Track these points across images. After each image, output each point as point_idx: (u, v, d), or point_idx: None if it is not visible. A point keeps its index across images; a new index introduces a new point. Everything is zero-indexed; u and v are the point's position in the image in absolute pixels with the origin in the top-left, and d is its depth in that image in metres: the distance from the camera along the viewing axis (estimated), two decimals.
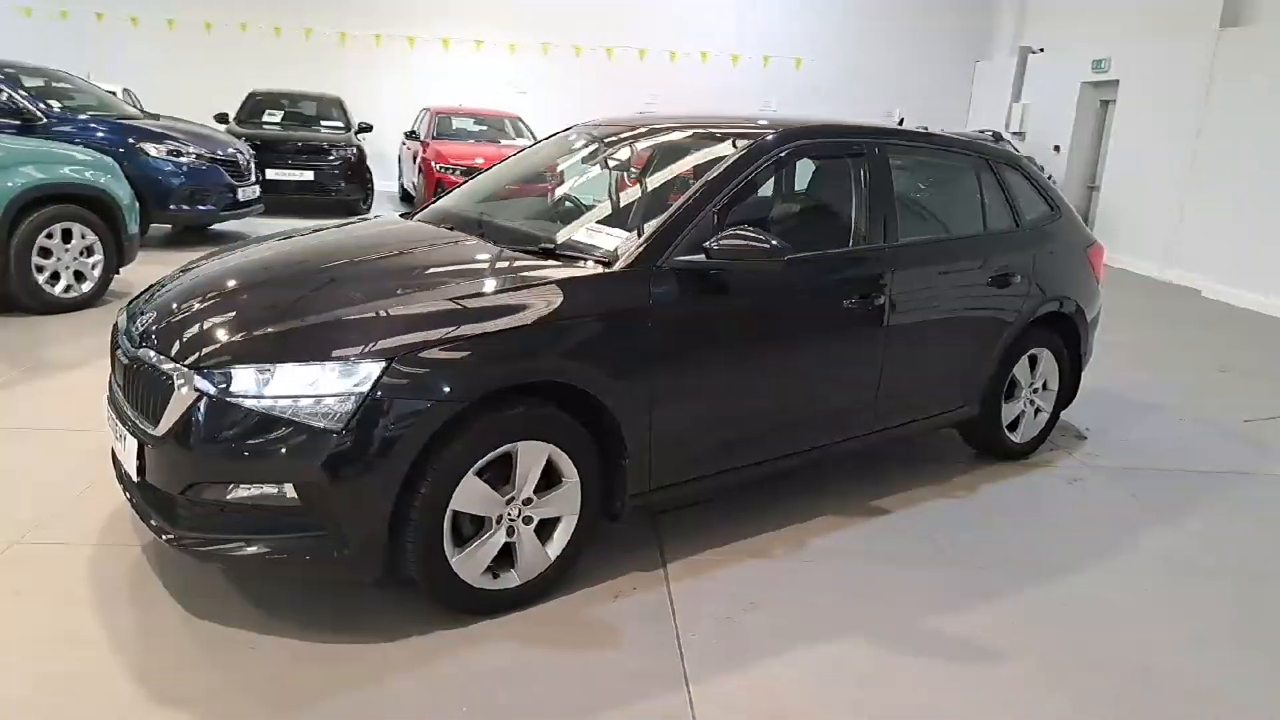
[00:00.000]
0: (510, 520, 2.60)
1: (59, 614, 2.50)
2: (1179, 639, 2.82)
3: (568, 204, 3.54)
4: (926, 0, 16.64)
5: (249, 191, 9.26)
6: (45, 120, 8.24)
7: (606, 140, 3.87)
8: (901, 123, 4.89)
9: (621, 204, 3.31)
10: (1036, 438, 4.31)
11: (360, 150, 12.12)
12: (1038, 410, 4.27)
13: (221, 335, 2.46)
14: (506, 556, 2.64)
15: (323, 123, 12.82)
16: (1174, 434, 4.83)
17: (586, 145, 3.91)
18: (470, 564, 2.54)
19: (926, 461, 4.15)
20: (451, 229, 3.25)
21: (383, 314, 2.48)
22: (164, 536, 2.42)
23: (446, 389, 2.36)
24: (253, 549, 2.35)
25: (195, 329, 2.52)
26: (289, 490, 2.30)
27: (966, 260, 3.77)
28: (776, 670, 2.49)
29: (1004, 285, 3.84)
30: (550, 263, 2.83)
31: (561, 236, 3.02)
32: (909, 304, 3.50)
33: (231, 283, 2.79)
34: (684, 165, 3.42)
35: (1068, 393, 4.39)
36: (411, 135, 12.91)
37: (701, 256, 2.84)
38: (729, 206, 3.04)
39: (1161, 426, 4.95)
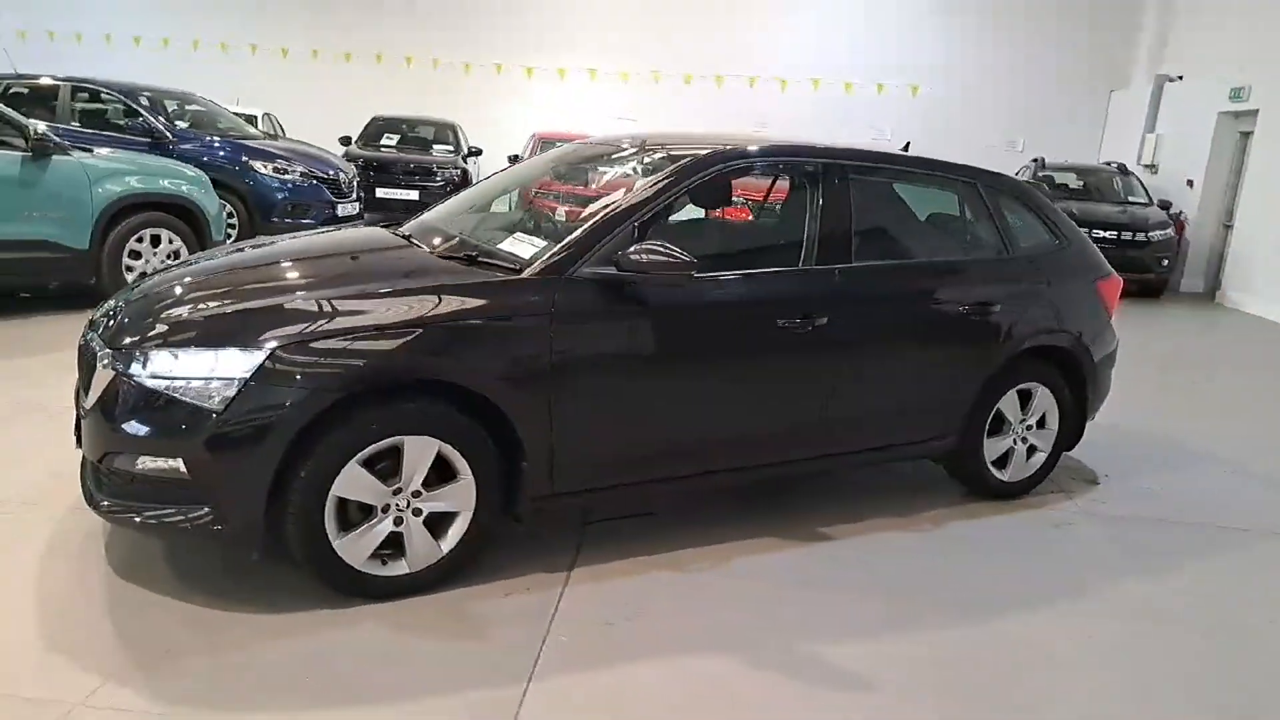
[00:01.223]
0: (399, 510, 2.73)
1: (8, 563, 2.81)
2: (1117, 689, 2.63)
3: (528, 216, 3.68)
4: (1058, 24, 15.89)
5: (349, 208, 9.93)
6: (171, 139, 9.16)
7: (587, 157, 4.00)
8: (907, 147, 4.70)
9: (560, 217, 3.42)
10: (1031, 478, 4.07)
11: (465, 173, 12.77)
12: (1032, 449, 4.04)
13: (144, 323, 2.72)
14: (399, 545, 2.77)
15: (436, 147, 13.57)
16: (1208, 486, 4.44)
17: (571, 161, 4.04)
18: (354, 549, 2.68)
19: (901, 493, 4.01)
20: (408, 238, 3.44)
21: (284, 308, 2.68)
22: (88, 501, 2.69)
23: (322, 380, 2.53)
24: (151, 518, 2.58)
25: (127, 317, 2.80)
26: (180, 465, 2.51)
27: (937, 286, 3.65)
28: (635, 678, 2.50)
29: (983, 314, 3.68)
30: (469, 270, 2.96)
31: (489, 245, 3.15)
32: (863, 327, 3.43)
33: (181, 279, 3.07)
34: (634, 182, 3.49)
35: (1071, 433, 4.13)
36: (514, 159, 13.46)
37: (613, 268, 2.91)
38: (650, 221, 3.09)
39: (1199, 477, 4.56)
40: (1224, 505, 4.20)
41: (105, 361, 2.64)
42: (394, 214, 12.07)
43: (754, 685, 2.51)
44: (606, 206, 3.10)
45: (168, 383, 2.52)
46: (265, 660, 2.44)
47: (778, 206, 3.92)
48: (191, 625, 2.57)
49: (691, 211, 3.79)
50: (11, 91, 9.90)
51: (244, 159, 9.25)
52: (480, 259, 3.03)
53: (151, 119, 9.29)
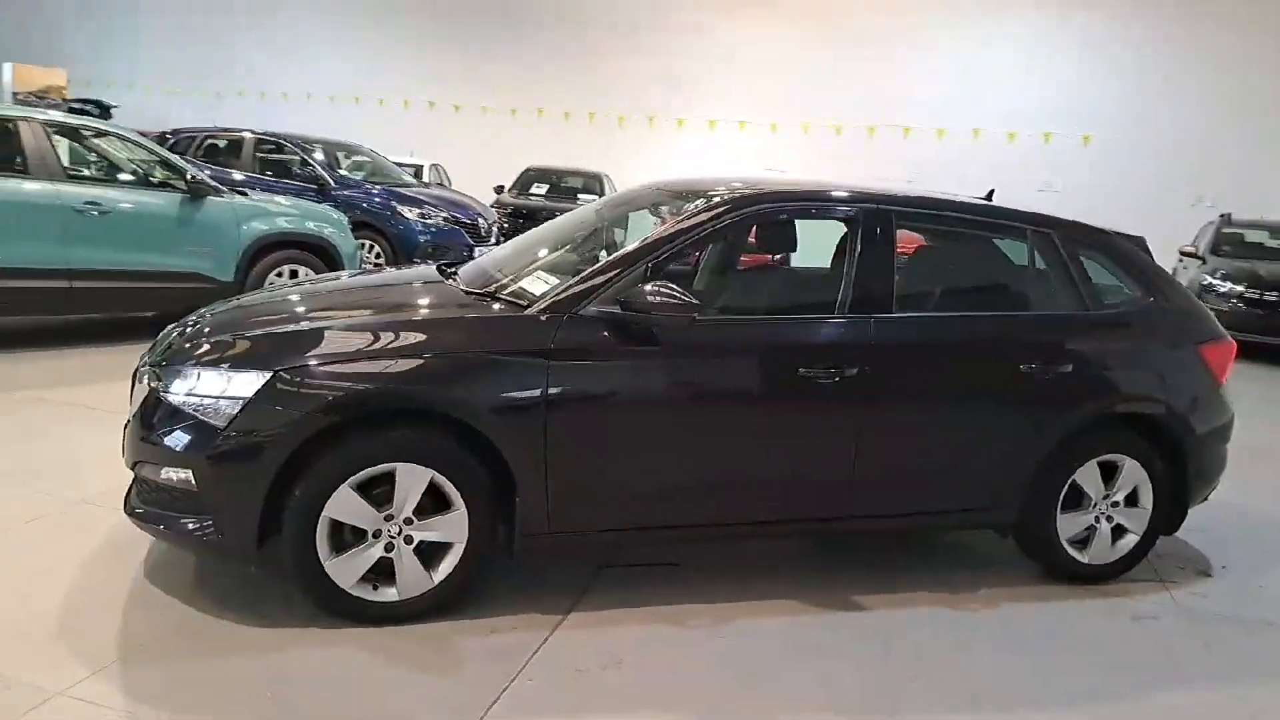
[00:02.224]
0: (391, 537, 2.79)
1: (63, 552, 3.09)
2: None
3: (573, 256, 3.71)
4: (1260, 70, 14.51)
5: (487, 250, 10.43)
6: (333, 186, 10.01)
7: (622, 203, 4.00)
8: (990, 195, 4.37)
9: (585, 257, 3.43)
10: (1118, 562, 3.62)
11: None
12: (1120, 529, 3.61)
13: (184, 345, 2.95)
14: (391, 572, 2.83)
15: (582, 196, 14.04)
16: None
17: (630, 205, 4.06)
18: (344, 571, 2.76)
19: (960, 569, 3.67)
20: (451, 275, 3.54)
21: (295, 334, 2.83)
22: (124, 506, 2.92)
23: (316, 403, 2.64)
24: (167, 525, 2.77)
25: (176, 339, 3.05)
26: (190, 477, 2.69)
27: (990, 342, 3.37)
28: None
29: (1048, 375, 3.35)
30: (481, 306, 3.03)
31: (512, 283, 3.20)
32: (898, 382, 3.21)
33: (230, 307, 3.31)
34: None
35: (1169, 515, 3.66)
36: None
37: (618, 309, 2.89)
38: (664, 263, 3.05)
39: None
40: None
41: (144, 376, 2.88)
42: None
43: None
44: (620, 249, 3.10)
45: (186, 399, 2.72)
46: (235, 670, 2.54)
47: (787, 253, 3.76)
48: (188, 629, 2.72)
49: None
50: (209, 142, 11.18)
51: (393, 204, 9.96)
52: (499, 296, 3.09)
53: (318, 168, 10.20)
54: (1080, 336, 3.46)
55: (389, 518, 2.78)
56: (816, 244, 3.70)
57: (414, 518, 2.80)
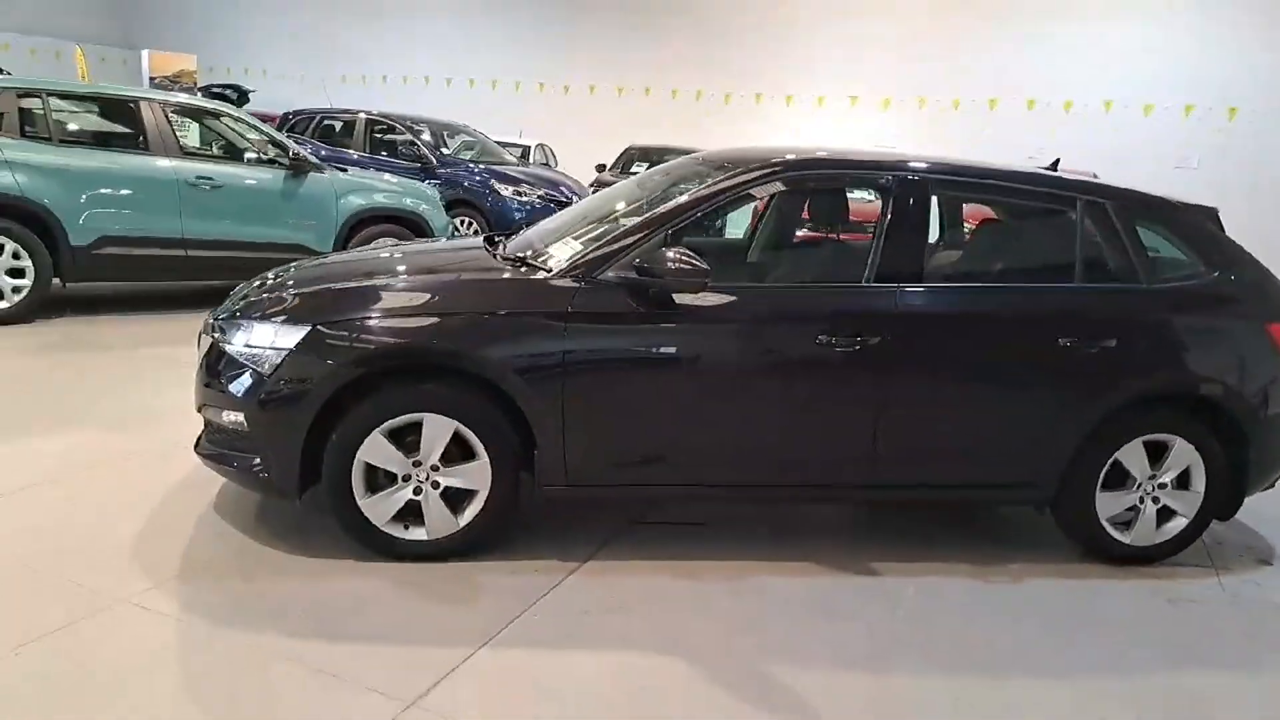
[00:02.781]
0: (419, 481, 3.01)
1: (148, 486, 3.47)
2: None
3: (607, 226, 3.81)
4: None
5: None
6: (436, 164, 10.47)
7: (690, 173, 4.07)
8: (1056, 164, 4.21)
9: (619, 224, 3.52)
10: (1164, 545, 3.50)
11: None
12: (1167, 511, 3.48)
13: (246, 301, 3.25)
14: (420, 513, 3.05)
15: None
16: None
17: (673, 177, 4.13)
18: (377, 510, 3.00)
19: (990, 543, 3.63)
20: (494, 244, 3.73)
21: (339, 292, 3.08)
22: (195, 446, 3.26)
23: (350, 356, 2.89)
24: (224, 465, 3.08)
25: (240, 297, 3.36)
26: (242, 419, 2.99)
27: (1026, 314, 3.29)
28: (575, 665, 2.56)
29: (1089, 349, 3.26)
30: (510, 270, 3.20)
31: (542, 249, 3.36)
32: (924, 352, 3.20)
33: (301, 267, 3.60)
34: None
35: (1224, 499, 3.50)
36: None
37: (635, 274, 3.01)
38: (685, 230, 3.14)
39: None
40: None
41: (207, 328, 3.20)
42: None
43: (688, 694, 2.47)
44: (641, 215, 3.20)
45: (241, 349, 3.01)
46: (278, 592, 2.82)
47: (848, 222, 3.74)
48: (245, 556, 3.03)
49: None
50: (325, 123, 11.85)
51: (491, 183, 10.33)
52: (529, 262, 3.25)
53: (423, 147, 10.68)
54: (1128, 311, 3.34)
55: (417, 463, 3.00)
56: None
57: (440, 465, 3.01)
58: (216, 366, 3.08)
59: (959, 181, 3.46)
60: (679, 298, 3.02)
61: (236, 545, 3.10)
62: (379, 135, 11.47)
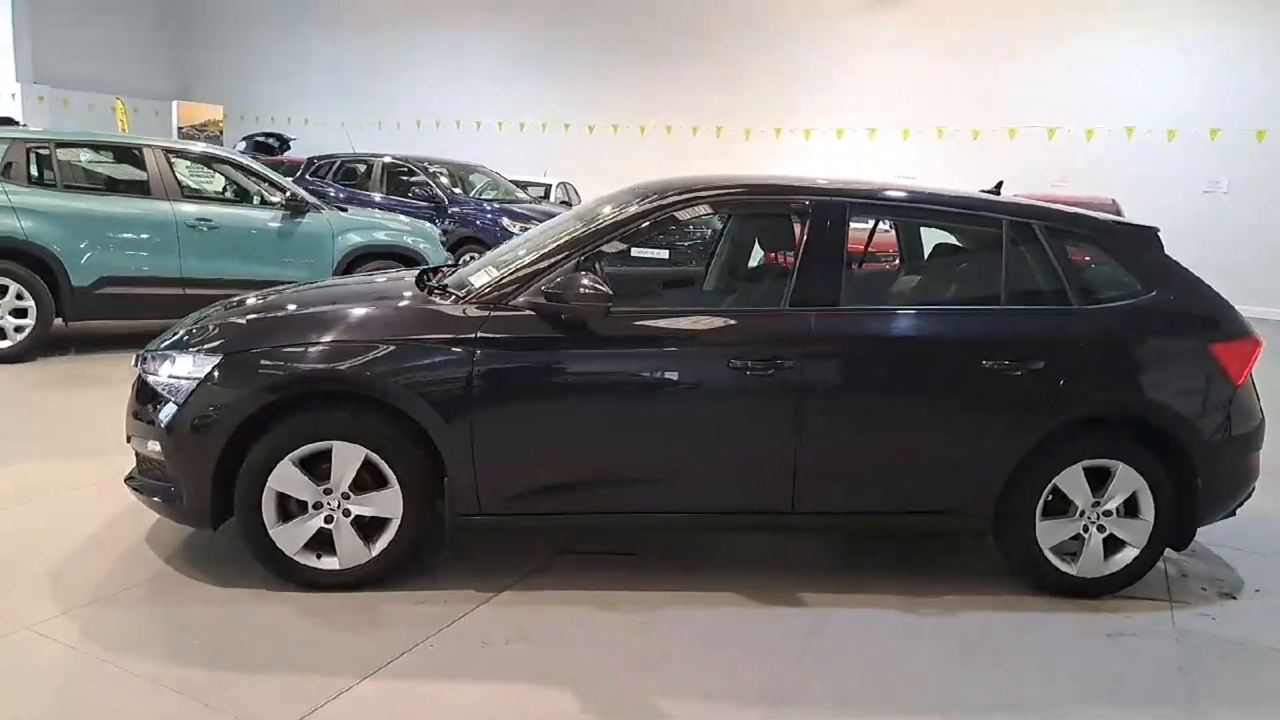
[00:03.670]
0: (330, 510, 3.03)
1: (94, 513, 3.54)
2: None
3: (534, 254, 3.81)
4: None
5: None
6: (447, 203, 10.68)
7: (625, 199, 4.08)
8: (999, 188, 4.15)
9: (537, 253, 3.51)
10: (1113, 577, 3.34)
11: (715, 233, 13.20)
12: (1115, 541, 3.33)
13: (175, 334, 3.32)
14: (332, 542, 3.06)
15: None
16: None
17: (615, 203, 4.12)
18: (288, 538, 3.01)
19: (935, 575, 3.51)
20: (424, 274, 3.76)
21: (254, 322, 3.15)
22: (126, 476, 3.32)
23: (257, 384, 2.93)
24: (146, 494, 3.13)
25: (173, 331, 3.44)
26: (159, 448, 3.04)
27: (947, 336, 3.22)
28: (456, 696, 2.53)
29: (1016, 372, 3.16)
30: (422, 298, 3.23)
31: (460, 278, 3.38)
32: (840, 376, 3.15)
33: (239, 301, 3.67)
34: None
35: (1176, 528, 3.35)
36: None
37: (542, 299, 3.02)
38: (594, 256, 3.15)
39: None
40: None
41: (137, 361, 3.28)
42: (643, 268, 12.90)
43: None
44: (557, 242, 3.22)
45: (162, 380, 3.07)
46: (181, 619, 2.85)
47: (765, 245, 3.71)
48: (160, 583, 3.07)
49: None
50: (347, 167, 12.19)
51: (502, 220, 10.49)
52: (450, 291, 3.28)
53: (435, 188, 10.92)
54: (1056, 333, 3.25)
55: (328, 491, 3.01)
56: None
57: (352, 493, 3.02)
58: (139, 398, 3.15)
59: (878, 205, 3.42)
60: (592, 324, 3.01)
61: (154, 574, 3.14)
62: (403, 177, 11.77)
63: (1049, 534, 3.30)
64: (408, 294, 3.33)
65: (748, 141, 17.29)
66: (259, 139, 18.45)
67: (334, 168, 12.18)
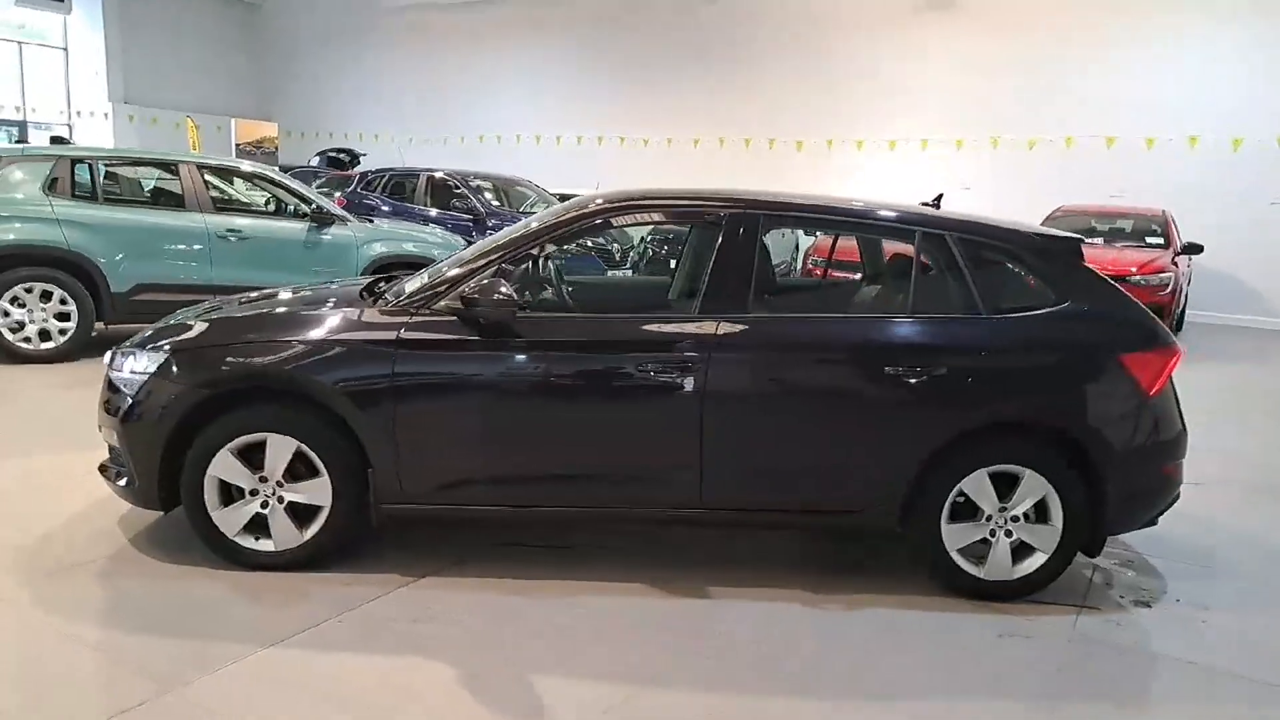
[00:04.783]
0: (266, 496, 3.32)
1: (84, 497, 3.92)
2: None
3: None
4: None
5: (621, 274, 11.03)
6: (484, 214, 11.09)
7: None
8: (939, 200, 4.20)
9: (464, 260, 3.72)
10: (1023, 581, 3.38)
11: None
12: (1025, 547, 3.38)
13: (144, 333, 3.67)
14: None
15: None
16: None
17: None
18: (228, 521, 3.31)
19: (848, 574, 3.60)
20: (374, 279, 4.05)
21: (202, 321, 3.47)
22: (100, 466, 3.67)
23: (196, 379, 3.24)
24: (109, 479, 3.48)
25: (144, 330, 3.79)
26: (116, 437, 3.38)
27: (850, 343, 3.33)
28: (346, 668, 2.75)
29: (918, 378, 3.24)
30: (356, 302, 3.50)
31: (397, 286, 3.64)
32: (745, 380, 3.29)
33: (204, 306, 4.01)
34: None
35: (1087, 535, 3.37)
36: None
37: (459, 304, 3.25)
38: (515, 263, 3.37)
39: None
40: None
41: (107, 358, 3.64)
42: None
43: (441, 701, 2.62)
44: (481, 251, 3.46)
45: (123, 375, 3.41)
46: (125, 590, 3.18)
47: (686, 254, 3.84)
48: (117, 560, 3.40)
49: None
50: (396, 181, 12.75)
51: None
52: (382, 295, 3.54)
53: (474, 200, 11.35)
54: (961, 340, 3.32)
55: (264, 479, 3.30)
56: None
57: (285, 481, 3.30)
58: (105, 391, 3.50)
59: (790, 216, 3.54)
60: (502, 328, 3.23)
61: (115, 551, 3.47)
62: (447, 191, 12.26)
63: (956, 537, 3.37)
64: (348, 300, 3.60)
65: (800, 154, 17.31)
66: (331, 154, 19.33)
67: (384, 182, 12.75)
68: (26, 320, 6.57)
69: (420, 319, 3.29)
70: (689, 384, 3.23)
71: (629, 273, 10.75)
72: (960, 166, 15.85)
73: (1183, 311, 11.98)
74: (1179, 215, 12.55)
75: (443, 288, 3.33)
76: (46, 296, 6.59)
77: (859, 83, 16.52)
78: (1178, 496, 3.55)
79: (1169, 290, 9.69)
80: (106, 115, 21.17)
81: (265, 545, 3.35)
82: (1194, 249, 10.88)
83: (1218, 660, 3.07)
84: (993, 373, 3.30)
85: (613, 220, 3.60)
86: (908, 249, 3.56)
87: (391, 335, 3.26)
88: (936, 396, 3.27)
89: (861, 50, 16.47)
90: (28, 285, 6.55)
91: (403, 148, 17.35)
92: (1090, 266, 3.51)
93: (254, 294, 4.13)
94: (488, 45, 20.76)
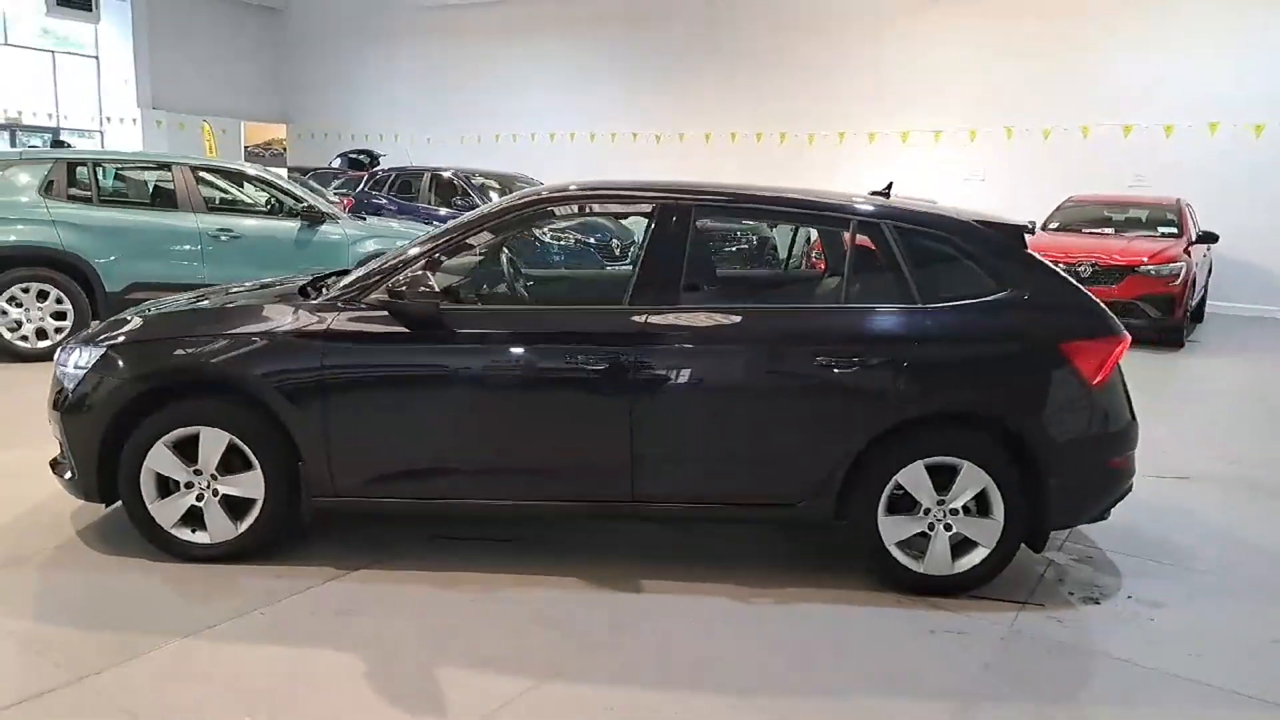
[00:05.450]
0: (201, 490, 3.35)
1: (48, 491, 3.99)
2: None
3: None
4: None
5: (620, 268, 11.02)
6: None
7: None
8: (889, 189, 4.12)
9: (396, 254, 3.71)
10: (965, 575, 3.31)
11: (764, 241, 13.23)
12: (967, 542, 3.31)
13: (86, 330, 3.72)
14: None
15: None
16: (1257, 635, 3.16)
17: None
18: (164, 513, 3.34)
19: (785, 568, 3.55)
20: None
21: (138, 317, 3.51)
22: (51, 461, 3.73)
23: (128, 373, 3.28)
24: (56, 472, 3.53)
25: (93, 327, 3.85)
26: (59, 430, 3.44)
27: (781, 332, 3.28)
28: (264, 658, 2.78)
29: (850, 368, 3.19)
30: (292, 298, 3.51)
31: (337, 280, 3.65)
32: (674, 369, 3.25)
33: (150, 304, 4.05)
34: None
35: (1022, 529, 3.29)
36: None
37: (386, 297, 3.26)
38: (442, 257, 3.37)
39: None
40: (1257, 661, 2.98)
41: (55, 357, 3.70)
42: None
43: (341, 690, 2.63)
44: (414, 245, 3.46)
45: (66, 370, 3.46)
46: (63, 581, 3.23)
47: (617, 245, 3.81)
48: (63, 551, 3.46)
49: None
50: (402, 180, 12.86)
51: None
52: (318, 288, 3.56)
53: (475, 197, 11.40)
54: (895, 330, 3.25)
55: (198, 473, 3.33)
56: None
57: (219, 474, 3.33)
58: (53, 387, 3.56)
59: (723, 206, 3.50)
60: (427, 322, 3.23)
61: (63, 542, 3.53)
62: (450, 189, 12.37)
63: (893, 530, 3.31)
64: (285, 295, 3.62)
65: (811, 147, 17.16)
66: (351, 155, 19.53)
67: (391, 181, 12.88)
68: (24, 319, 6.72)
69: (350, 313, 3.30)
70: (616, 377, 3.20)
71: (629, 268, 10.72)
72: (974, 157, 15.63)
73: (1201, 302, 11.68)
74: (1200, 204, 12.25)
75: (373, 281, 3.34)
76: (43, 296, 6.74)
77: (870, 75, 16.34)
78: (1128, 490, 3.45)
79: (1180, 280, 9.44)
80: (135, 121, 21.61)
81: (201, 538, 3.38)
82: (1209, 238, 10.58)
83: (1159, 660, 2.98)
84: (927, 363, 3.23)
85: (551, 211, 3.59)
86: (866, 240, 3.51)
87: (320, 328, 3.27)
88: (869, 387, 3.21)
89: (872, 41, 16.29)
90: (25, 285, 6.70)
91: (408, 147, 17.47)
92: (1035, 254, 3.42)
93: (204, 290, 4.18)
94: (502, 44, 20.85)
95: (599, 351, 3.21)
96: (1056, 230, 11.18)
